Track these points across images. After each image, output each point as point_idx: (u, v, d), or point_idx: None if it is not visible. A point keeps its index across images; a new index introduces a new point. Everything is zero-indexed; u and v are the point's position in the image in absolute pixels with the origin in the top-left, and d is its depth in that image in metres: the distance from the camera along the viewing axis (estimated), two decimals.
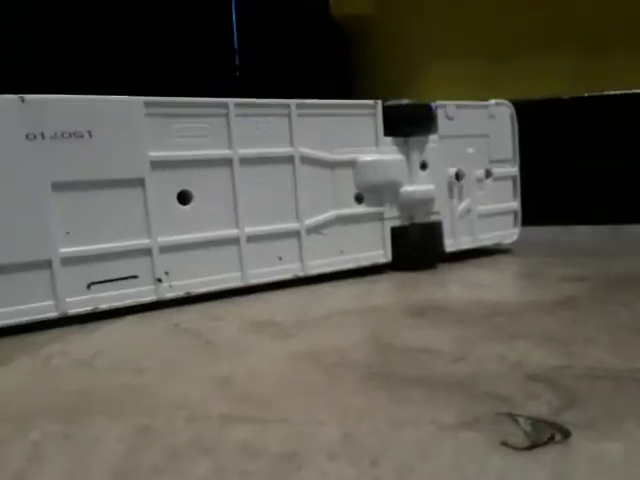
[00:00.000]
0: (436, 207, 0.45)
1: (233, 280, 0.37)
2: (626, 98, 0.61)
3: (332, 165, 0.41)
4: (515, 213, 0.50)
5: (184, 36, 0.71)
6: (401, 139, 0.43)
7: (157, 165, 0.35)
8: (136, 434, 0.18)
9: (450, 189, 0.46)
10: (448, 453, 0.16)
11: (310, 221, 0.40)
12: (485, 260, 0.46)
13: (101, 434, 0.18)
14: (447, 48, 0.67)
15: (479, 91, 0.53)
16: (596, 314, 0.29)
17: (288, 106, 0.39)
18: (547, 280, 0.38)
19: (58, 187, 0.32)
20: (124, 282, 0.34)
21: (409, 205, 0.44)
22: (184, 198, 0.36)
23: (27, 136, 0.31)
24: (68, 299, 0.32)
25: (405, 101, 0.44)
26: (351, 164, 0.42)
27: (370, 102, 0.43)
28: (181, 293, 0.36)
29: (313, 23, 0.75)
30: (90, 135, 0.32)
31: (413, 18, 0.68)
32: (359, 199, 0.42)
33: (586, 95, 0.62)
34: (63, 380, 0.24)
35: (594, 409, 0.18)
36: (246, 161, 0.38)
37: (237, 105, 0.37)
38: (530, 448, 0.16)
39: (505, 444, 0.16)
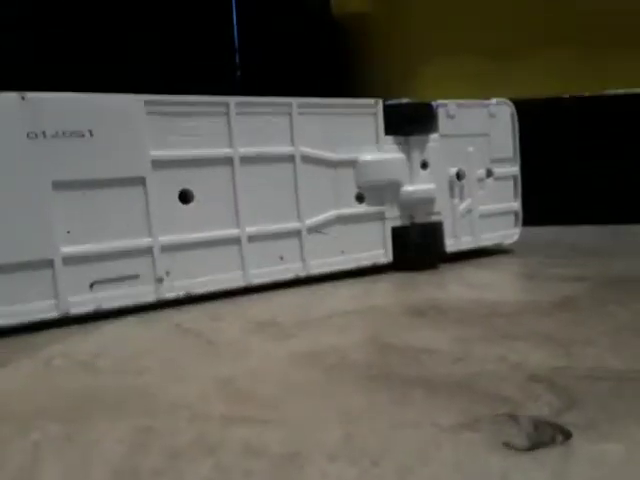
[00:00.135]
0: (437, 207, 0.45)
1: (234, 280, 0.37)
2: (626, 98, 0.61)
3: (333, 164, 0.41)
4: (516, 213, 0.50)
5: (185, 35, 0.71)
6: (402, 138, 0.43)
7: (158, 164, 0.35)
8: (137, 434, 0.18)
9: (451, 189, 0.46)
10: (449, 454, 0.16)
11: (311, 221, 0.40)
12: (486, 260, 0.46)
13: (102, 435, 0.18)
14: (447, 47, 0.67)
15: (479, 90, 0.53)
16: (596, 315, 0.29)
17: (289, 105, 0.39)
18: (547, 280, 0.38)
19: (59, 186, 0.32)
20: (125, 282, 0.34)
21: (410, 205, 0.44)
22: (185, 197, 0.36)
23: (28, 135, 0.31)
24: (70, 299, 0.32)
25: (406, 100, 0.44)
26: (352, 163, 0.42)
27: (371, 101, 0.43)
28: (182, 293, 0.36)
29: (313, 22, 0.74)
30: (91, 134, 0.32)
31: (413, 17, 0.68)
32: (360, 199, 0.42)
33: (587, 95, 0.62)
34: (64, 381, 0.24)
35: (595, 410, 0.18)
36: (247, 160, 0.38)
37: (238, 104, 0.37)
38: (531, 449, 0.16)
39: (506, 445, 0.16)
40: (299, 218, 0.40)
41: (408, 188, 0.43)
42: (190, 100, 0.36)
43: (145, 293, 0.34)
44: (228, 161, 0.37)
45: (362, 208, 0.42)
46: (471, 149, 0.46)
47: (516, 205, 0.50)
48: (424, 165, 0.44)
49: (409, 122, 0.44)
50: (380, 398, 0.20)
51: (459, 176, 0.46)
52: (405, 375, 0.22)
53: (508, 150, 0.49)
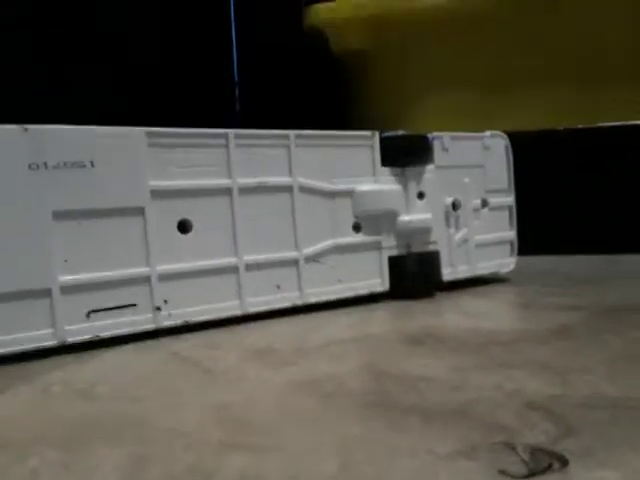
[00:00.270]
0: (433, 236, 0.45)
1: (232, 308, 0.38)
2: (620, 130, 0.62)
3: (330, 195, 0.42)
4: (511, 243, 0.50)
5: (186, 69, 0.72)
6: (398, 169, 0.44)
7: (157, 194, 0.35)
8: (134, 462, 0.18)
9: (447, 219, 0.46)
10: None
11: (308, 250, 0.40)
12: (482, 289, 0.46)
13: (100, 462, 0.18)
14: (442, 81, 0.68)
15: (474, 123, 0.54)
16: (591, 343, 0.29)
17: (287, 137, 0.40)
18: (543, 309, 0.38)
19: (59, 216, 0.32)
20: (123, 310, 0.34)
21: (406, 234, 0.44)
22: (184, 227, 0.36)
23: (30, 166, 0.31)
24: (67, 327, 0.32)
25: (402, 132, 0.45)
26: (349, 194, 0.42)
27: (367, 133, 0.43)
28: (180, 321, 0.36)
29: (313, 57, 0.76)
30: (92, 165, 0.33)
31: (409, 53, 0.69)
32: (357, 228, 0.43)
33: (580, 127, 0.63)
34: (62, 408, 0.24)
35: (591, 438, 0.18)
36: (245, 190, 0.38)
37: (237, 136, 0.38)
38: (528, 477, 0.16)
39: (503, 473, 0.17)
40: (297, 247, 0.40)
41: (405, 218, 0.44)
42: (190, 132, 0.36)
43: (143, 321, 0.34)
44: (227, 191, 0.38)
45: (359, 238, 0.43)
46: (467, 180, 0.47)
47: (512, 235, 0.50)
48: (420, 195, 0.45)
49: (405, 154, 0.44)
50: (377, 426, 0.20)
51: (455, 206, 0.47)
52: (402, 403, 0.22)
53: (503, 181, 0.50)
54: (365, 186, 0.43)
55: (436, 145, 0.46)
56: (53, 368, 0.29)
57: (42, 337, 0.31)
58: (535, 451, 0.18)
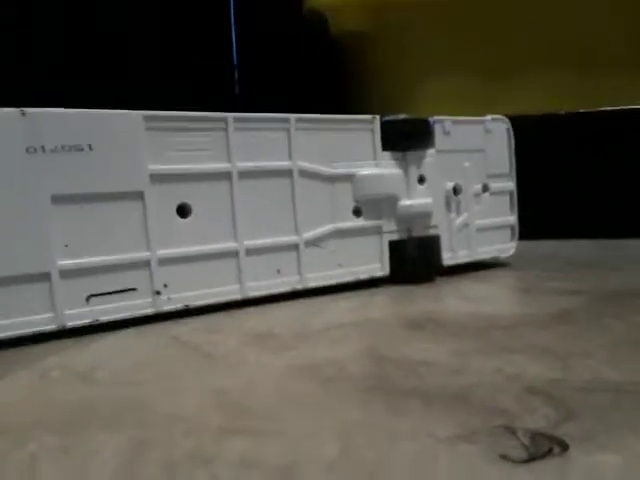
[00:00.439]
0: (434, 221, 0.45)
1: (232, 293, 0.37)
2: (622, 114, 0.61)
3: (330, 179, 0.41)
4: (512, 227, 0.50)
5: (184, 52, 0.71)
6: (399, 153, 0.44)
7: (156, 178, 0.35)
8: (134, 447, 0.18)
9: (448, 203, 0.46)
10: (445, 466, 0.16)
11: (308, 234, 0.40)
12: (482, 274, 0.46)
13: (99, 447, 0.18)
14: (443, 65, 0.68)
15: (475, 107, 0.54)
16: (592, 328, 0.29)
17: (287, 120, 0.39)
18: (544, 294, 0.38)
19: (57, 200, 0.32)
20: (123, 295, 0.34)
21: (407, 219, 0.44)
22: (183, 211, 0.36)
23: (27, 149, 0.31)
24: (67, 312, 0.32)
25: (403, 116, 0.44)
26: (349, 178, 0.42)
27: (368, 117, 0.43)
28: (180, 306, 0.36)
29: (312, 40, 0.75)
30: (90, 148, 0.33)
31: (410, 35, 0.69)
32: (357, 213, 0.43)
33: (582, 111, 0.62)
34: (61, 393, 0.24)
35: (592, 422, 0.18)
36: (245, 175, 0.38)
37: (236, 119, 0.37)
38: (528, 461, 0.16)
39: (503, 457, 0.16)
40: (297, 232, 0.40)
41: (405, 202, 0.44)
42: (189, 116, 0.36)
43: (142, 306, 0.34)
44: (226, 176, 0.37)
45: (359, 222, 0.43)
46: (467, 164, 0.47)
47: (512, 219, 0.50)
48: (421, 180, 0.45)
49: (406, 138, 0.44)
50: (377, 410, 0.20)
51: (456, 191, 0.46)
52: (402, 387, 0.22)
53: (504, 165, 0.50)
54: (366, 170, 0.42)
55: (437, 129, 0.45)
56: (52, 352, 0.29)
57: (41, 321, 0.31)
58: (535, 435, 0.18)
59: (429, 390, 0.22)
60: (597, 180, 0.63)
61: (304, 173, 0.40)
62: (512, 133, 0.49)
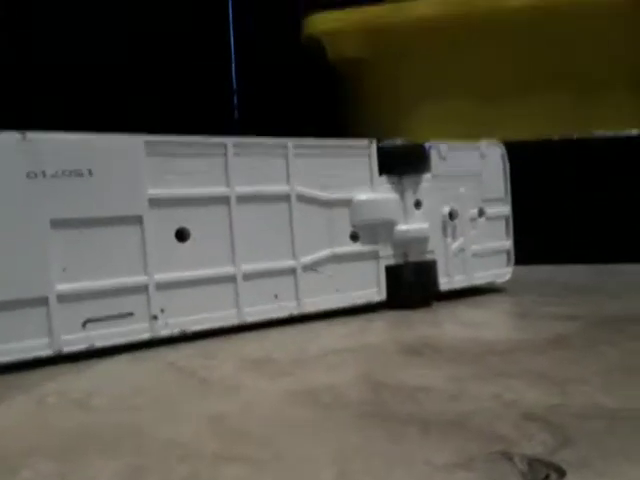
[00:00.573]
0: (430, 246, 0.45)
1: (229, 318, 0.37)
2: (614, 141, 0.62)
3: (328, 204, 0.42)
4: (508, 252, 0.50)
5: (184, 78, 0.72)
6: (395, 178, 0.44)
7: (155, 203, 0.35)
8: (131, 473, 0.18)
9: (444, 228, 0.46)
10: None
11: (306, 259, 0.40)
12: (479, 299, 0.46)
13: (96, 473, 0.18)
14: (439, 89, 0.68)
15: (469, 132, 0.54)
16: (588, 354, 0.29)
17: (285, 145, 0.40)
18: (540, 319, 0.38)
19: (57, 224, 0.32)
20: (120, 320, 0.34)
21: (404, 244, 0.44)
22: (182, 235, 0.36)
23: (28, 174, 0.31)
24: (63, 337, 0.32)
25: (399, 141, 0.45)
26: (346, 203, 0.42)
27: (365, 142, 0.44)
28: (177, 331, 0.36)
29: (310, 66, 0.76)
30: (90, 173, 0.33)
31: (406, 61, 0.70)
32: (354, 237, 0.43)
33: (575, 137, 0.63)
34: (58, 419, 0.24)
35: (588, 448, 0.18)
36: (243, 199, 0.38)
37: (235, 144, 0.38)
38: None
39: None
40: (294, 256, 0.40)
41: (402, 227, 0.44)
42: (189, 141, 0.36)
43: (139, 331, 0.34)
44: (225, 200, 0.38)
45: (356, 247, 0.43)
46: (463, 189, 0.47)
47: (508, 244, 0.50)
48: (417, 204, 0.45)
49: (402, 162, 0.44)
50: (374, 436, 0.20)
51: (452, 215, 0.47)
52: (399, 413, 0.22)
53: (499, 190, 0.50)
54: (362, 195, 0.43)
55: (433, 154, 0.46)
56: (49, 378, 0.29)
57: (38, 346, 0.31)
58: (532, 462, 0.18)
59: (426, 416, 0.22)
60: (591, 205, 0.63)
61: (302, 198, 0.40)
62: (507, 158, 0.50)
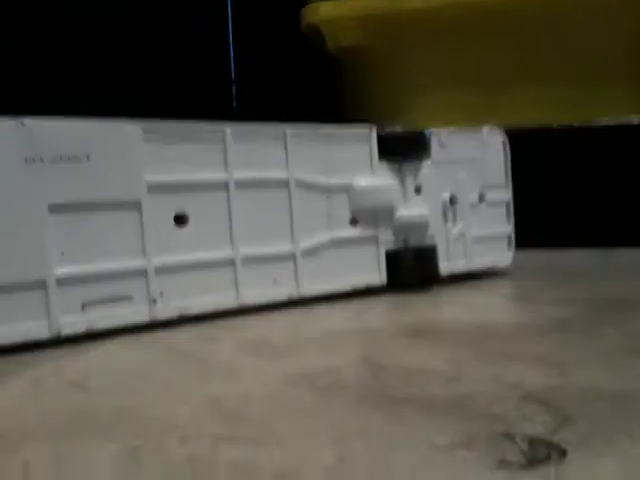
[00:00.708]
0: (430, 231, 0.45)
1: (228, 301, 0.37)
2: (612, 129, 0.62)
3: (327, 189, 0.41)
4: (508, 237, 0.50)
5: (183, 65, 0.72)
6: (395, 164, 0.44)
7: (154, 188, 0.35)
8: (129, 455, 0.18)
9: (444, 213, 0.46)
10: (444, 473, 0.16)
11: (305, 244, 0.40)
12: (479, 283, 0.46)
13: (93, 455, 0.18)
14: (439, 77, 0.68)
15: (470, 120, 0.54)
16: (587, 336, 0.29)
17: (284, 132, 0.40)
18: (540, 303, 0.38)
19: (55, 209, 0.32)
20: (119, 303, 0.34)
21: (404, 229, 0.44)
22: (180, 220, 0.36)
23: (26, 159, 0.31)
24: (62, 319, 0.32)
25: (399, 128, 0.45)
26: (346, 188, 0.42)
27: (365, 129, 0.43)
28: (175, 314, 0.35)
29: (309, 54, 0.76)
30: (88, 158, 0.33)
31: (406, 49, 0.69)
32: (354, 222, 0.43)
33: (575, 125, 0.63)
34: (55, 401, 0.24)
35: (588, 428, 0.18)
36: (242, 185, 0.38)
37: (234, 130, 0.38)
38: (527, 466, 0.16)
39: (502, 463, 0.16)
40: (293, 241, 0.40)
41: (402, 212, 0.44)
42: (187, 126, 0.36)
43: (138, 314, 0.34)
44: (223, 186, 0.37)
45: (356, 232, 0.43)
46: (463, 175, 0.47)
47: (508, 229, 0.50)
48: (417, 190, 0.45)
49: (402, 149, 0.44)
50: (374, 418, 0.20)
51: (452, 201, 0.46)
52: (400, 395, 0.22)
53: (500, 176, 0.50)
54: (362, 181, 0.43)
55: (433, 141, 0.45)
56: (46, 360, 0.29)
57: (36, 329, 0.31)
58: (533, 441, 0.18)
59: (427, 398, 0.22)
60: (590, 191, 0.63)
61: (301, 183, 0.40)
62: (507, 145, 0.50)
